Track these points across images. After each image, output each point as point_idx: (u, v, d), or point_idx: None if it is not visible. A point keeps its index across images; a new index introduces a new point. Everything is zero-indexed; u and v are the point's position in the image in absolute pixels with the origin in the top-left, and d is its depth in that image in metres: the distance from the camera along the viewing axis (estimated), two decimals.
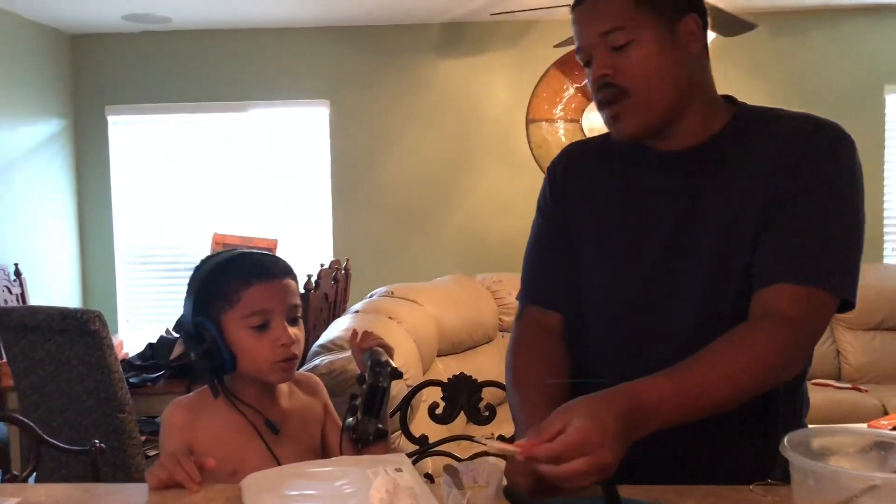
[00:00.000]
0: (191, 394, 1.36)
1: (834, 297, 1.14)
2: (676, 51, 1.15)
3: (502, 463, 1.15)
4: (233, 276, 1.29)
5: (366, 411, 1.20)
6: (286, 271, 1.34)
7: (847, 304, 1.16)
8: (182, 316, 1.34)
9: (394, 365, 1.26)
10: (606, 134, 1.27)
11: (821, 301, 1.13)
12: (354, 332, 1.38)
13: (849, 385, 4.10)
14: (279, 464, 1.26)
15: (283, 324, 1.29)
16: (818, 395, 3.92)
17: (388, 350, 1.33)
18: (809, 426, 1.33)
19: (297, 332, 1.31)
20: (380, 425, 1.20)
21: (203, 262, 1.34)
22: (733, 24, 3.66)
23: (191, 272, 1.35)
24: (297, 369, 1.35)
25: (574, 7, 1.20)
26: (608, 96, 1.17)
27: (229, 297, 1.28)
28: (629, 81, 1.15)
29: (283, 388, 1.39)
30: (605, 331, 1.28)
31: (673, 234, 1.19)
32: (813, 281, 1.12)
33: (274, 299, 1.29)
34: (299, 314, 1.33)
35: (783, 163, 1.16)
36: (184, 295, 1.35)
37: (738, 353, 1.07)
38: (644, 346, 1.23)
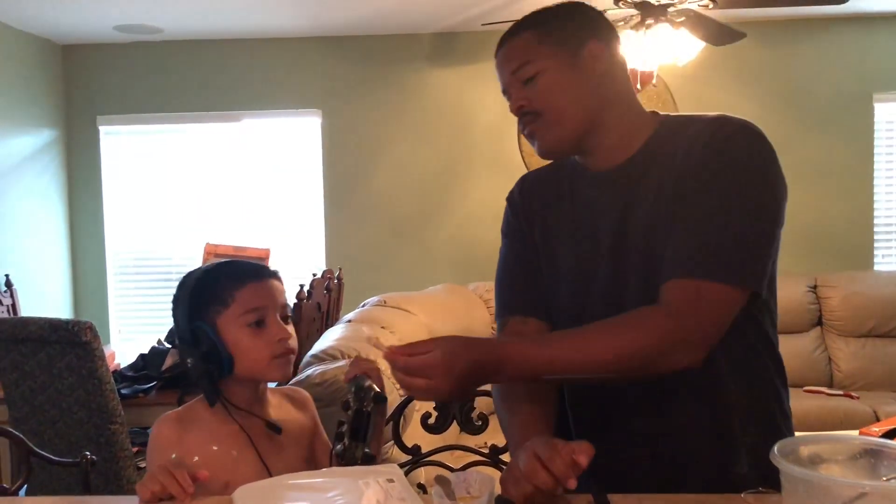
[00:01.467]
0: (178, 408, 1.36)
1: (728, 288, 1.16)
2: (580, 74, 1.26)
3: (495, 473, 1.15)
4: (225, 278, 1.33)
5: (352, 436, 1.20)
6: (273, 273, 1.39)
7: (755, 295, 1.19)
8: (175, 326, 1.35)
9: (377, 389, 1.27)
10: (557, 162, 1.40)
11: (710, 292, 1.16)
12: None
13: (840, 392, 4.11)
14: (271, 474, 1.26)
15: (277, 320, 1.33)
16: (810, 401, 3.95)
17: (376, 374, 1.34)
18: (799, 434, 1.34)
19: (290, 329, 1.35)
20: (367, 450, 1.20)
21: (189, 274, 1.37)
22: (722, 34, 3.68)
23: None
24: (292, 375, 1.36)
25: (495, 56, 1.33)
26: (526, 122, 1.30)
27: (223, 299, 1.31)
28: (539, 105, 1.27)
29: (273, 398, 1.40)
30: None
31: (611, 248, 1.27)
32: (698, 274, 1.16)
33: (267, 297, 1.33)
34: (290, 313, 1.37)
35: (685, 163, 1.22)
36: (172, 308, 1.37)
37: (607, 334, 1.17)
38: None
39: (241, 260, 1.44)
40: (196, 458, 1.27)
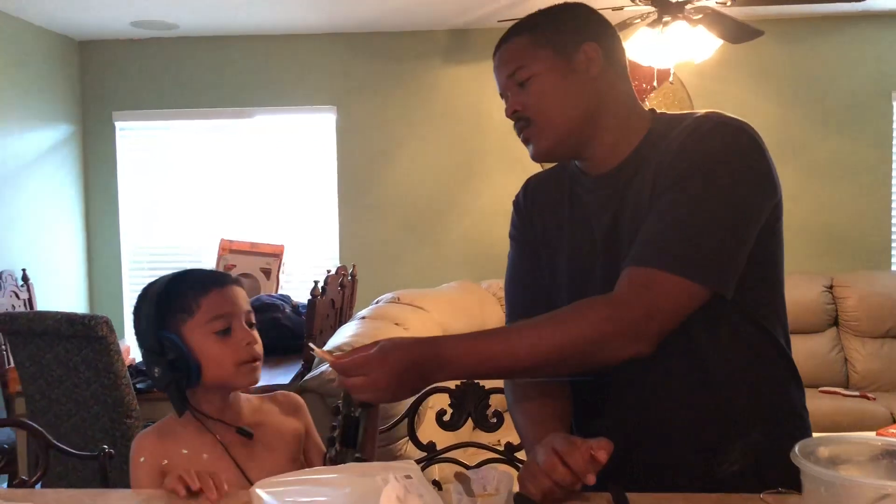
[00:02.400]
0: (153, 425, 1.37)
1: (682, 280, 1.13)
2: (574, 78, 1.25)
3: (510, 471, 1.15)
4: (188, 287, 1.33)
5: (343, 442, 1.20)
6: (235, 280, 1.39)
7: (718, 294, 1.15)
8: (138, 338, 1.35)
9: None
10: (559, 164, 1.41)
11: (661, 283, 1.13)
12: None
13: (857, 393, 4.08)
14: (249, 479, 1.25)
15: (244, 326, 1.32)
16: (826, 402, 3.92)
17: None
18: (817, 435, 1.33)
19: (256, 335, 1.34)
20: (357, 454, 1.20)
21: (150, 284, 1.37)
22: (740, 31, 3.66)
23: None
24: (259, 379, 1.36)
25: (493, 57, 1.33)
26: (521, 127, 1.30)
27: (188, 307, 1.30)
28: (532, 111, 1.27)
29: (248, 402, 1.40)
30: None
31: (605, 251, 1.27)
32: (651, 263, 1.14)
33: (232, 303, 1.33)
34: (254, 321, 1.37)
35: (668, 160, 1.21)
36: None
37: (551, 326, 1.16)
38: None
39: (201, 269, 1.44)
40: (178, 471, 1.28)
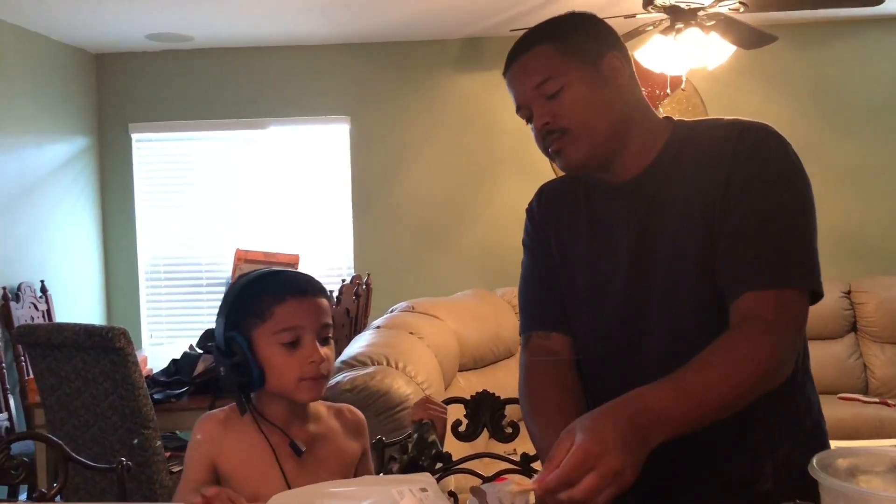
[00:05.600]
0: (224, 408, 1.34)
1: (799, 292, 1.16)
2: (605, 87, 1.24)
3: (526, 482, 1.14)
4: (266, 292, 1.29)
5: None
6: (319, 290, 1.34)
7: (816, 296, 1.18)
8: (215, 331, 1.33)
9: (440, 448, 1.25)
10: None
11: (792, 300, 1.15)
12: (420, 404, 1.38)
13: (876, 399, 4.04)
14: None
15: (313, 342, 1.28)
16: (845, 409, 3.88)
17: (442, 424, 1.32)
18: (834, 442, 1.32)
19: (327, 351, 1.30)
20: None
21: (237, 279, 1.34)
22: (753, 37, 3.65)
23: (223, 288, 1.36)
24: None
25: (506, 70, 1.29)
26: (553, 139, 1.25)
27: (262, 313, 1.28)
28: (567, 122, 1.23)
29: (317, 412, 1.37)
30: (588, 353, 1.34)
31: (631, 259, 1.25)
32: (774, 283, 1.15)
33: (306, 316, 1.28)
34: (331, 334, 1.32)
35: (715, 173, 1.20)
36: (206, 311, 1.36)
37: (728, 359, 1.10)
38: (624, 364, 1.28)
39: (291, 270, 1.38)
40: (229, 463, 1.27)
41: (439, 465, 1.22)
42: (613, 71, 1.25)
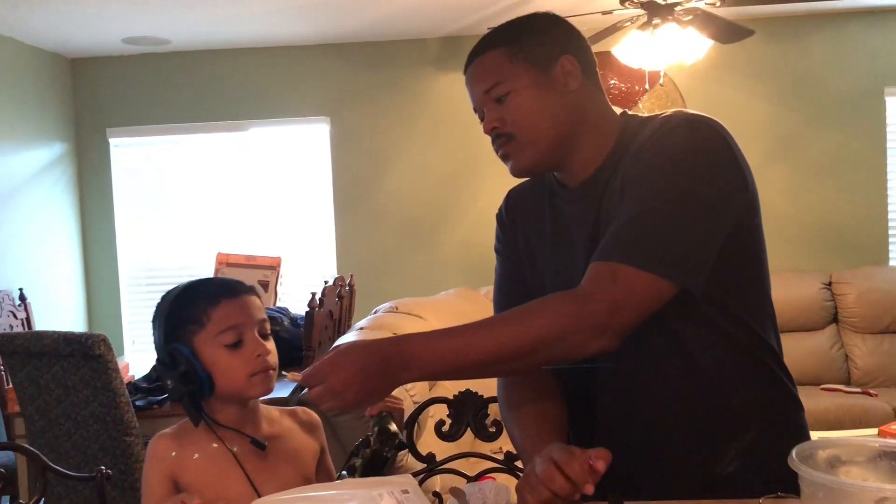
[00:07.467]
0: (174, 425, 1.35)
1: (647, 275, 1.12)
2: (553, 93, 1.24)
3: (510, 480, 1.14)
4: (199, 298, 1.31)
5: (364, 475, 1.19)
6: (249, 289, 1.36)
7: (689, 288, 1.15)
8: (154, 346, 1.34)
9: (402, 438, 1.26)
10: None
11: (625, 277, 1.13)
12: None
13: (858, 389, 4.08)
14: (258, 492, 1.24)
15: (255, 337, 1.30)
16: (827, 400, 3.91)
17: (400, 415, 1.32)
18: (815, 434, 1.33)
19: (269, 345, 1.32)
20: None
21: (165, 294, 1.36)
22: (730, 31, 3.66)
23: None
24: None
25: (465, 72, 1.32)
26: (500, 143, 1.27)
27: (199, 319, 1.29)
28: (513, 127, 1.25)
29: (269, 414, 1.38)
30: None
31: (585, 261, 1.24)
32: (614, 257, 1.14)
33: (243, 314, 1.30)
34: (268, 330, 1.35)
35: (633, 158, 1.21)
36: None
37: (511, 319, 1.16)
38: (584, 364, 1.27)
39: (216, 277, 1.43)
40: (190, 477, 1.27)
41: (402, 452, 1.22)
42: (565, 75, 1.25)
